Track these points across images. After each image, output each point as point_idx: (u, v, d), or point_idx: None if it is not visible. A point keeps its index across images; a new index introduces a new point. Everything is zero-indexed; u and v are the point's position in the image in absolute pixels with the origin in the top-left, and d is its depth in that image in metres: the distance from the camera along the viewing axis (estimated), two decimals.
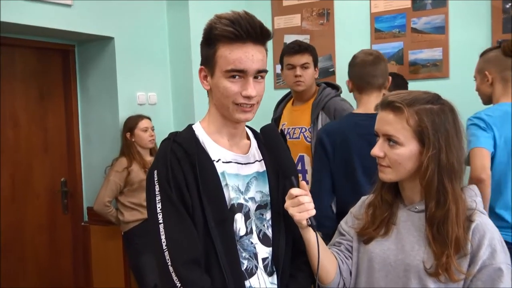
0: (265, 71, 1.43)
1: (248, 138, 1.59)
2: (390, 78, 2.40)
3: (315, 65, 3.05)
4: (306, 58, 2.98)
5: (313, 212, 1.38)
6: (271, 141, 1.47)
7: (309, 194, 1.39)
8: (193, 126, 1.52)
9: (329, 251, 1.52)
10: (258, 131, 1.65)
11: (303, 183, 1.40)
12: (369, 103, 2.32)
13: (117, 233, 3.65)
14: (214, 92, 1.44)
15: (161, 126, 3.85)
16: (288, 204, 1.39)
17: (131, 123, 3.58)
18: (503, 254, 1.29)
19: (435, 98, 1.38)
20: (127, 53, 3.79)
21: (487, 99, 2.57)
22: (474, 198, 1.37)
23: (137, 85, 3.87)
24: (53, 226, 3.81)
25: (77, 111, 3.92)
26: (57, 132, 3.85)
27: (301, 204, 1.36)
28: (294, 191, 1.38)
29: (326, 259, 1.47)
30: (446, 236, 1.30)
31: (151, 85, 3.99)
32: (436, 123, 1.33)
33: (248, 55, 1.37)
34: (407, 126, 1.34)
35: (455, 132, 1.36)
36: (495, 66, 2.50)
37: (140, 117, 3.62)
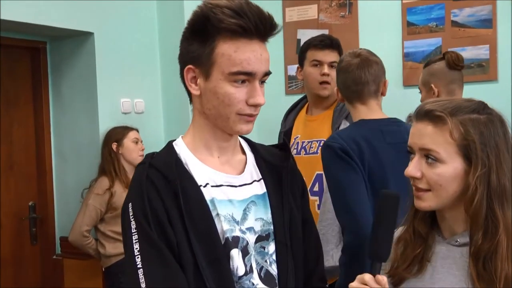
0: (270, 74, 1.42)
1: (243, 152, 1.57)
2: (387, 81, 2.37)
3: None
4: (335, 56, 2.93)
5: None
6: (385, 212, 1.36)
7: None
8: (173, 144, 1.49)
9: None
10: (264, 144, 1.64)
11: (382, 278, 1.31)
12: (374, 110, 2.30)
13: (97, 269, 3.64)
14: (208, 99, 1.40)
15: (149, 139, 3.86)
16: (353, 285, 1.32)
17: (119, 134, 3.61)
18: None
19: (481, 107, 1.36)
20: (109, 51, 3.81)
21: None
22: None
23: (121, 90, 3.89)
24: (19, 260, 3.80)
25: (49, 121, 3.94)
26: (25, 146, 3.86)
27: None
28: (368, 278, 1.30)
29: None
30: (494, 273, 1.27)
31: (137, 91, 4.01)
32: (484, 136, 1.31)
33: (257, 55, 1.36)
34: (451, 139, 1.32)
35: (506, 147, 1.34)
36: (440, 79, 2.78)
37: (128, 128, 3.65)
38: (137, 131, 3.69)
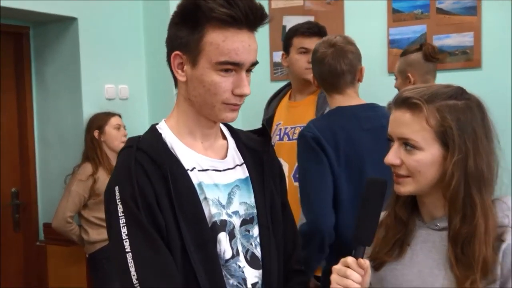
0: (257, 64, 1.43)
1: (224, 137, 1.58)
2: (363, 68, 2.38)
3: None
4: None
5: None
6: (371, 198, 1.38)
7: (365, 277, 1.34)
8: (157, 127, 1.50)
9: None
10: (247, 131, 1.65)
11: (366, 262, 1.34)
12: (351, 97, 2.32)
13: (81, 255, 3.64)
14: (194, 86, 1.41)
15: (134, 126, 3.85)
16: (336, 267, 1.35)
17: (100, 120, 3.59)
18: None
19: (459, 92, 1.38)
20: (93, 37, 3.78)
21: None
22: (507, 212, 1.37)
23: (105, 76, 3.87)
24: (2, 246, 3.79)
25: (32, 107, 3.92)
26: (8, 133, 3.84)
27: (346, 278, 1.31)
28: (350, 260, 1.33)
29: None
30: (472, 257, 1.30)
31: (122, 76, 3.99)
32: (461, 121, 1.33)
33: (245, 45, 1.36)
34: (427, 126, 1.34)
35: (484, 132, 1.36)
36: (416, 69, 2.98)
37: (110, 114, 3.64)
38: (120, 116, 3.68)
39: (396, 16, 3.96)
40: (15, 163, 3.89)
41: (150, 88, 4.17)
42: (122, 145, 3.50)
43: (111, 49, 3.91)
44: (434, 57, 2.97)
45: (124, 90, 4.00)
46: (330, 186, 2.21)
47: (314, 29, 2.98)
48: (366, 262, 1.33)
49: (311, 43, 2.90)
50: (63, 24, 3.74)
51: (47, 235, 3.87)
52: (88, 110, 3.70)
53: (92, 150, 3.55)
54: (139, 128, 3.89)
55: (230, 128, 1.62)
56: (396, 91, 3.13)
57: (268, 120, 3.13)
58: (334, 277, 1.34)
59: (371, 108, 2.34)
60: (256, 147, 1.59)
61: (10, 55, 3.85)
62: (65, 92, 3.81)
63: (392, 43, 3.97)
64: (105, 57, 3.86)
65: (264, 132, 1.66)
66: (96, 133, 3.56)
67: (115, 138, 3.58)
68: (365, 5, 4.05)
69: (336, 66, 2.27)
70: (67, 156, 3.77)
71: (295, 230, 1.65)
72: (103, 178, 3.47)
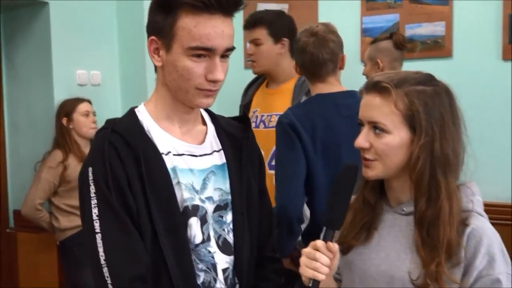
0: (233, 49, 1.43)
1: (204, 123, 1.59)
2: (345, 56, 2.43)
3: (277, 39, 2.97)
4: (257, 33, 2.95)
5: (320, 276, 1.34)
6: (343, 182, 1.40)
7: (334, 260, 1.37)
8: (136, 110, 1.50)
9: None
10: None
11: (334, 245, 1.37)
12: (332, 85, 2.37)
13: (51, 242, 3.62)
14: (169, 71, 1.41)
15: (106, 112, 3.80)
16: (305, 251, 1.37)
17: (69, 107, 3.56)
18: (503, 262, 1.33)
19: (428, 79, 1.41)
20: (65, 22, 3.75)
21: None
22: (471, 197, 1.41)
23: (77, 62, 3.84)
24: None
25: (2, 92, 3.88)
26: None
27: (315, 261, 1.34)
28: (319, 243, 1.35)
29: None
30: (437, 239, 1.33)
31: (94, 62, 3.96)
32: (429, 106, 1.36)
33: (218, 30, 1.36)
34: (396, 110, 1.37)
35: (452, 118, 1.39)
36: (386, 56, 3.18)
37: (78, 100, 3.60)
38: (89, 102, 3.65)
39: (369, 5, 3.98)
40: None
41: (123, 74, 4.15)
42: (91, 131, 3.52)
43: (83, 34, 3.87)
44: (404, 45, 3.21)
45: (96, 76, 3.97)
46: (302, 173, 2.25)
47: (248, 22, 3.01)
48: (335, 246, 1.36)
49: (247, 35, 3.03)
50: (34, 9, 3.70)
51: (17, 222, 3.85)
52: (59, 96, 3.67)
53: (62, 137, 3.52)
54: (111, 115, 3.80)
55: (211, 114, 1.63)
56: (364, 79, 3.26)
57: (245, 107, 3.14)
58: (303, 260, 1.37)
59: (352, 95, 2.37)
60: (235, 134, 1.60)
61: None
62: (36, 78, 3.77)
63: (365, 31, 3.99)
64: (77, 43, 3.82)
65: (245, 119, 1.67)
66: (64, 121, 3.53)
67: (83, 125, 3.55)
68: None
69: (318, 55, 2.30)
70: (37, 142, 3.74)
71: (271, 218, 1.67)
72: (74, 165, 3.45)
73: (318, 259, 1.34)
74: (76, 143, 3.54)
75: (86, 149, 3.58)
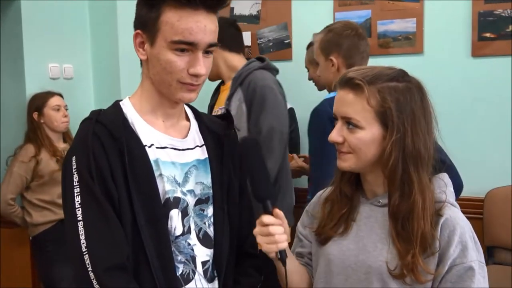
0: (216, 45, 1.46)
1: (188, 119, 1.62)
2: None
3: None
4: None
5: (283, 245, 1.42)
6: (249, 157, 1.49)
7: (285, 224, 1.43)
8: (120, 103, 1.53)
9: (302, 270, 1.61)
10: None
11: (277, 211, 1.43)
12: None
13: (24, 237, 3.61)
14: (153, 64, 1.44)
15: (79, 106, 3.83)
16: (257, 231, 1.43)
17: (39, 101, 3.54)
18: (475, 251, 1.39)
19: (401, 75, 1.45)
20: (36, 14, 3.72)
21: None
22: (444, 189, 1.46)
23: (48, 55, 3.82)
24: None
25: None
26: None
27: (272, 235, 1.40)
28: (266, 218, 1.41)
29: (300, 282, 1.57)
30: (411, 232, 1.38)
31: (66, 55, 3.94)
32: (401, 103, 1.40)
33: (200, 25, 1.38)
34: (368, 106, 1.41)
35: (423, 114, 1.43)
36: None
37: (49, 94, 3.58)
38: (61, 95, 3.63)
39: (341, 1, 4.02)
40: None
41: (95, 68, 4.13)
42: (62, 125, 3.51)
43: (55, 27, 3.85)
44: None
45: (68, 70, 3.95)
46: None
47: None
48: (276, 210, 1.43)
49: None
50: (5, 1, 3.65)
51: None
52: (31, 90, 3.64)
53: (33, 132, 3.51)
54: (84, 108, 3.87)
55: (194, 111, 1.65)
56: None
57: (213, 106, 3.18)
58: (261, 240, 1.43)
59: None
60: (218, 130, 1.63)
61: None
62: (7, 71, 3.74)
63: None
64: (49, 36, 3.80)
65: (228, 116, 1.69)
66: (35, 115, 3.51)
67: (54, 119, 3.53)
68: None
69: (366, 43, 2.55)
70: (9, 137, 3.72)
71: (250, 214, 1.70)
72: (46, 159, 3.45)
73: (273, 232, 1.40)
74: (48, 138, 3.53)
75: (58, 143, 3.57)
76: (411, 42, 3.83)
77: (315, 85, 3.52)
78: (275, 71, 3.06)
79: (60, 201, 3.33)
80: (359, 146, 1.43)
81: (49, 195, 3.45)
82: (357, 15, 3.97)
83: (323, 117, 2.36)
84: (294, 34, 4.15)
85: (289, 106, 3.78)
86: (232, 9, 4.32)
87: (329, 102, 2.41)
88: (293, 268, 1.54)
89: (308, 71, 3.58)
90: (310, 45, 3.51)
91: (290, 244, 1.50)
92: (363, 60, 2.53)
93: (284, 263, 1.43)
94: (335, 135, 1.47)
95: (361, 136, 1.42)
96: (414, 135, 1.40)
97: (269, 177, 1.50)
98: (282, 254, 1.42)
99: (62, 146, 3.59)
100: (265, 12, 4.23)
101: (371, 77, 1.42)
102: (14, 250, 3.75)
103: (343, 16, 3.97)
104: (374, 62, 3.48)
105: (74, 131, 3.60)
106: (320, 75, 2.67)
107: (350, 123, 1.43)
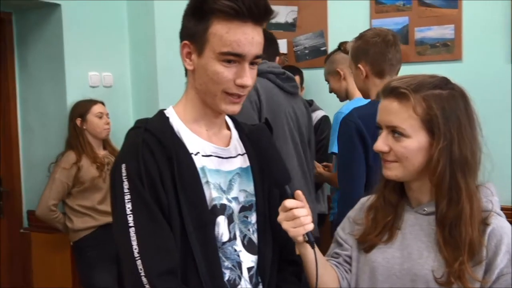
0: (262, 57, 1.49)
1: (228, 128, 1.65)
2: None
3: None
4: None
5: (310, 226, 1.44)
6: (261, 143, 1.54)
7: (307, 206, 1.46)
8: (165, 112, 1.56)
9: (329, 265, 1.60)
10: None
11: (298, 192, 1.46)
12: None
13: (65, 243, 3.67)
14: (200, 75, 1.47)
15: (117, 114, 3.89)
16: (281, 217, 1.45)
17: (83, 108, 3.61)
18: None
19: (444, 82, 1.46)
20: (77, 23, 3.79)
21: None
22: (490, 198, 1.46)
23: (89, 63, 3.88)
24: None
25: (15, 94, 3.93)
26: None
27: (297, 218, 1.42)
28: (288, 203, 1.44)
29: (326, 275, 1.55)
30: (459, 239, 1.38)
31: (106, 64, 4.01)
32: (446, 110, 1.41)
33: (248, 37, 1.41)
34: (414, 114, 1.42)
35: (468, 120, 1.44)
36: (343, 64, 3.27)
37: (92, 102, 3.65)
38: (103, 104, 3.70)
39: (379, 7, 4.03)
40: None
41: (134, 76, 4.19)
42: (104, 132, 3.59)
43: (95, 36, 3.92)
44: None
45: (108, 78, 4.02)
46: (363, 175, 2.34)
47: None
48: (298, 192, 1.45)
49: None
50: (46, 10, 3.74)
51: (32, 223, 3.90)
52: (72, 98, 3.71)
53: (75, 138, 3.57)
54: (122, 116, 3.94)
55: (234, 121, 1.69)
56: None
57: None
58: (287, 225, 1.44)
59: None
60: (257, 139, 1.64)
61: None
62: (49, 79, 3.81)
63: None
64: (89, 44, 3.87)
65: (267, 125, 1.72)
66: (78, 121, 3.58)
67: (97, 126, 3.60)
68: None
69: (396, 51, 2.48)
70: (51, 143, 3.78)
71: None
72: (87, 166, 3.51)
73: (297, 215, 1.42)
74: (89, 144, 3.59)
75: (98, 150, 3.64)
76: (449, 49, 3.81)
77: (337, 96, 3.52)
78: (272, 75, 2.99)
79: (100, 207, 3.47)
80: (406, 154, 1.44)
81: (90, 201, 3.51)
82: (394, 22, 3.97)
83: (351, 128, 2.34)
84: (330, 41, 4.16)
85: (322, 113, 3.81)
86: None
87: (358, 111, 2.41)
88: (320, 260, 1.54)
89: (329, 83, 3.56)
90: (328, 57, 3.57)
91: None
92: (393, 67, 2.48)
93: (312, 245, 1.45)
94: (380, 144, 1.48)
95: (408, 144, 1.43)
96: (461, 142, 1.41)
97: (284, 162, 1.52)
98: (309, 236, 1.44)
99: (102, 153, 3.65)
100: (301, 20, 4.26)
101: (416, 86, 1.43)
102: (55, 255, 3.81)
103: (380, 23, 3.98)
104: (412, 69, 3.49)
105: (113, 138, 3.69)
106: (356, 83, 2.66)
107: (396, 132, 1.44)
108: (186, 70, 1.54)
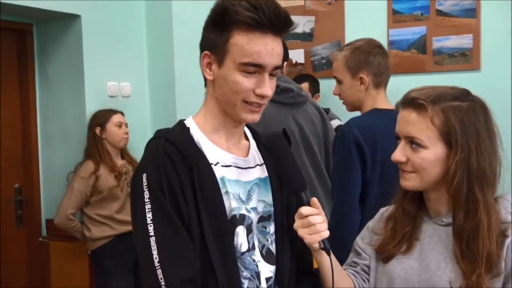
0: (281, 68, 1.50)
1: (247, 138, 1.66)
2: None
3: None
4: None
5: (326, 233, 1.44)
6: (278, 151, 1.55)
7: (322, 213, 1.46)
8: (185, 123, 1.57)
9: (345, 274, 1.60)
10: None
11: (314, 200, 1.47)
12: (386, 99, 2.46)
13: (83, 252, 3.70)
14: (220, 85, 1.48)
15: (135, 123, 3.92)
16: (297, 224, 1.46)
17: (103, 118, 3.66)
18: None
19: (464, 94, 1.46)
20: (96, 34, 3.85)
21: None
22: (509, 209, 1.45)
23: (107, 74, 3.94)
24: (5, 242, 3.84)
25: (35, 103, 3.98)
26: (11, 128, 3.89)
27: (312, 225, 1.43)
28: (304, 210, 1.44)
29: (342, 283, 1.55)
30: (476, 252, 1.38)
31: (124, 74, 4.06)
32: (465, 122, 1.41)
33: (268, 48, 1.42)
34: (432, 126, 1.42)
35: (487, 133, 1.43)
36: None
37: (112, 111, 3.70)
38: (122, 114, 3.74)
39: (396, 17, 4.02)
40: (19, 159, 3.94)
41: (152, 86, 4.24)
42: (123, 141, 3.62)
43: (114, 46, 3.97)
44: None
45: (126, 88, 4.07)
46: (358, 190, 2.32)
47: None
48: (314, 200, 1.45)
49: None
50: (66, 21, 3.80)
51: (50, 231, 3.93)
52: (91, 108, 3.76)
53: (94, 147, 3.62)
54: (140, 126, 3.98)
55: (252, 131, 1.70)
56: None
57: None
58: (303, 232, 1.44)
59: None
60: (275, 149, 1.64)
61: (13, 51, 3.90)
62: (68, 89, 3.87)
63: (392, 44, 4.04)
64: (108, 55, 3.92)
65: (284, 135, 1.73)
66: (98, 130, 3.62)
67: (116, 135, 3.65)
68: (365, 5, 4.11)
69: (387, 62, 2.47)
70: (70, 152, 3.83)
71: None
72: (105, 175, 3.55)
73: (313, 222, 1.42)
74: (107, 153, 3.63)
75: (117, 159, 3.67)
76: (467, 59, 3.79)
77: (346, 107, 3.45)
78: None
79: (118, 216, 3.49)
80: (423, 165, 1.44)
81: (108, 210, 3.54)
82: (411, 32, 3.97)
83: (349, 141, 2.32)
84: None
85: (339, 122, 3.81)
86: None
87: (356, 123, 2.38)
88: (337, 267, 1.55)
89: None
90: None
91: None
92: (388, 78, 2.50)
93: (328, 252, 1.45)
94: (398, 155, 1.48)
95: (425, 155, 1.43)
96: (479, 155, 1.41)
97: (299, 169, 1.53)
98: (325, 243, 1.44)
99: (120, 162, 3.69)
100: (319, 30, 4.27)
101: (434, 97, 1.43)
102: (73, 264, 3.84)
103: (397, 33, 3.98)
104: (429, 78, 3.51)
105: (130, 148, 3.72)
106: (344, 94, 2.57)
107: (414, 143, 1.45)
108: (205, 80, 1.56)
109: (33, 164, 3.95)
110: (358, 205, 2.32)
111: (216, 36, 1.46)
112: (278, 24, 1.42)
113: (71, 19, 3.77)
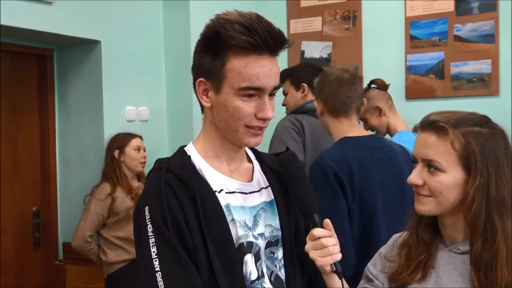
0: (280, 87, 1.46)
1: (249, 160, 1.62)
2: (365, 101, 2.47)
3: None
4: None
5: (338, 256, 1.41)
6: (289, 172, 1.51)
7: (335, 235, 1.43)
8: (185, 149, 1.53)
9: None
10: None
11: (327, 221, 1.43)
12: (355, 126, 2.35)
13: (99, 275, 3.68)
14: (219, 111, 1.44)
15: (153, 148, 3.92)
16: (309, 246, 1.42)
17: (122, 141, 3.67)
18: None
19: (484, 120, 1.43)
20: (115, 60, 3.87)
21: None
22: None
23: (126, 98, 3.95)
24: (22, 265, 3.84)
25: (54, 127, 4.00)
26: (30, 152, 3.92)
27: (325, 247, 1.40)
28: (316, 232, 1.41)
29: None
30: (495, 282, 1.33)
31: (142, 99, 4.07)
32: (485, 148, 1.38)
33: (266, 70, 1.39)
34: (452, 150, 1.39)
35: (507, 160, 1.40)
36: (380, 99, 3.22)
37: (131, 135, 3.71)
38: (141, 138, 3.75)
39: (414, 43, 4.01)
40: (37, 182, 3.96)
41: (170, 111, 4.25)
42: (140, 165, 3.62)
43: (132, 71, 3.99)
44: (386, 86, 3.26)
45: (144, 112, 4.08)
46: (347, 220, 2.21)
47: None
48: (326, 221, 1.43)
49: None
50: (86, 47, 3.83)
51: (67, 254, 3.93)
52: (109, 132, 3.78)
53: (111, 169, 3.62)
54: (158, 150, 3.98)
55: (254, 151, 1.65)
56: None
57: None
58: (315, 254, 1.41)
59: (376, 139, 2.41)
60: (279, 170, 1.61)
61: (34, 76, 3.95)
62: (87, 114, 3.89)
63: (409, 69, 4.02)
64: (126, 80, 3.95)
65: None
66: (116, 153, 3.63)
67: (133, 158, 3.65)
68: (383, 31, 4.11)
69: (351, 88, 2.33)
70: (87, 176, 3.84)
71: None
72: (121, 197, 3.55)
73: (325, 244, 1.39)
74: (124, 176, 3.64)
75: (133, 182, 3.67)
76: (486, 84, 3.76)
77: (377, 132, 3.33)
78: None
79: None
80: (440, 189, 1.41)
81: (124, 232, 3.53)
82: (429, 57, 3.95)
83: (329, 174, 2.19)
84: (365, 76, 4.13)
85: None
86: (303, 52, 4.39)
87: (329, 155, 2.26)
88: None
89: (366, 122, 3.33)
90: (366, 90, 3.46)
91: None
92: (345, 107, 2.33)
93: (340, 275, 1.41)
94: (415, 178, 1.45)
95: (443, 179, 1.40)
96: (498, 181, 1.37)
97: (311, 189, 1.49)
98: (337, 266, 1.41)
99: (136, 184, 3.69)
100: (336, 55, 4.28)
101: (455, 121, 1.41)
102: (90, 287, 3.82)
103: (415, 58, 3.97)
104: (447, 104, 3.47)
105: (147, 171, 3.72)
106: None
107: (432, 166, 1.41)
108: (201, 106, 1.51)
109: (51, 187, 3.97)
110: (350, 235, 2.20)
111: (210, 61, 1.42)
112: (273, 44, 1.39)
113: (91, 44, 3.81)
